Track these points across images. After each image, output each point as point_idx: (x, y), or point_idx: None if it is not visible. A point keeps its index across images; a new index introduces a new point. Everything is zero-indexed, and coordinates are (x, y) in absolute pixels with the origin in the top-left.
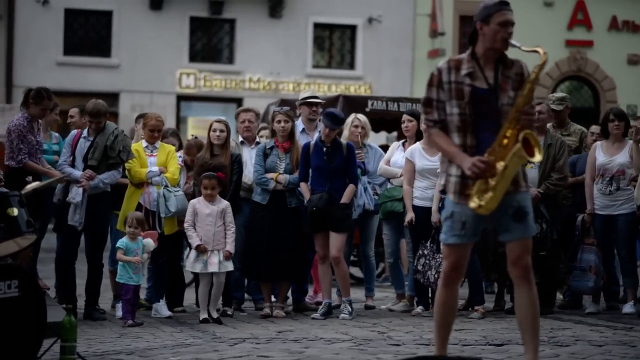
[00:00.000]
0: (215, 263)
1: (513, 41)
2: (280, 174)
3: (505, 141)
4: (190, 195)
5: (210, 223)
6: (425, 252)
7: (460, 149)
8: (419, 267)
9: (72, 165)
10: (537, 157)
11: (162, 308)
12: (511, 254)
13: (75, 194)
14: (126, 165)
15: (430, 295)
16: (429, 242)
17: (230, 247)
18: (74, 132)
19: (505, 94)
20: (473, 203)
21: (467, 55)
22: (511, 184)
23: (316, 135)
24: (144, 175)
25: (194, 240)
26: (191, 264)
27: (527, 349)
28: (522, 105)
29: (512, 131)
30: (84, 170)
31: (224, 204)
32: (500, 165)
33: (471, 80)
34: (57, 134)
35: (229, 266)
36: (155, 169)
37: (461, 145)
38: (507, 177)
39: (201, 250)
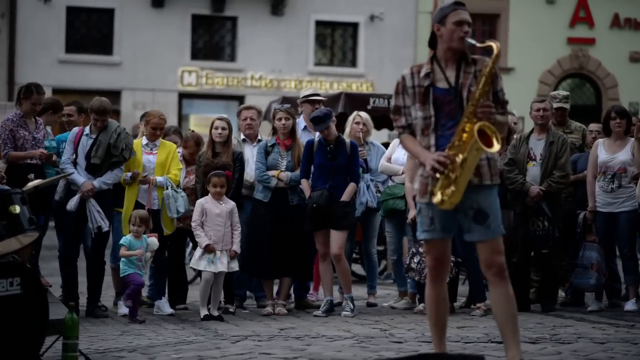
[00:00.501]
0: (225, 263)
1: (469, 39)
2: (281, 171)
3: (465, 135)
4: (191, 190)
5: (220, 223)
6: (420, 249)
7: (424, 149)
8: (413, 265)
9: (75, 163)
10: (496, 147)
11: (164, 305)
12: (481, 255)
13: (71, 202)
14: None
15: None
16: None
17: (237, 247)
18: (75, 129)
19: (466, 89)
20: (436, 198)
21: (428, 58)
22: (475, 175)
23: (317, 132)
24: (122, 180)
25: (203, 240)
26: (196, 261)
27: (508, 345)
28: (478, 98)
29: (470, 125)
30: (86, 168)
31: (231, 204)
32: (459, 158)
33: (431, 82)
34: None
35: (236, 267)
36: (129, 174)
37: (427, 146)
38: (467, 169)
39: (210, 250)
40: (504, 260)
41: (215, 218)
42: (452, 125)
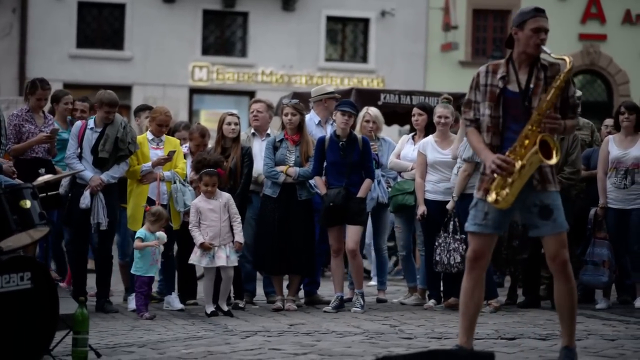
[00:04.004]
0: (223, 257)
1: (545, 48)
2: (290, 166)
3: (527, 142)
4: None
5: (215, 219)
6: (440, 241)
7: (487, 147)
8: (437, 258)
9: (80, 157)
10: (554, 160)
11: (174, 301)
12: (547, 249)
13: (84, 199)
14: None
15: (442, 288)
16: (441, 232)
17: (239, 237)
18: (78, 123)
19: (537, 97)
20: (490, 197)
21: (504, 59)
22: (539, 182)
23: (329, 128)
24: (138, 173)
25: (199, 239)
26: (198, 258)
27: (564, 333)
28: (544, 109)
29: (533, 133)
30: (93, 163)
31: (225, 197)
32: (518, 164)
33: (504, 84)
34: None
35: (235, 261)
36: (148, 164)
37: (489, 144)
38: (523, 176)
39: (205, 247)
40: (567, 256)
41: (209, 214)
42: (517, 129)
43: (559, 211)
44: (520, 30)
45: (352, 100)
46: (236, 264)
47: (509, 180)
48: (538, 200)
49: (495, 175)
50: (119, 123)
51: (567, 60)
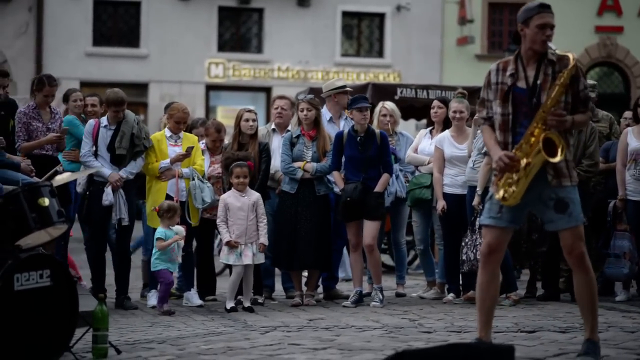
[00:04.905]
0: (250, 256)
1: (550, 44)
2: (307, 162)
3: (532, 140)
4: (216, 178)
5: (242, 217)
6: (467, 240)
7: (498, 145)
8: (463, 257)
9: (95, 154)
10: (557, 158)
11: (193, 297)
12: (564, 243)
13: (107, 195)
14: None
15: (461, 282)
16: (468, 231)
17: (264, 239)
18: (91, 122)
19: (545, 93)
20: (498, 194)
21: (513, 56)
22: (554, 177)
23: (342, 123)
24: (157, 169)
25: (225, 236)
26: (225, 256)
27: (585, 326)
28: (549, 106)
29: (539, 130)
30: (111, 160)
31: (255, 196)
32: (523, 162)
33: (513, 81)
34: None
35: (262, 258)
36: (167, 161)
37: (501, 142)
38: (529, 173)
39: (232, 246)
40: (584, 248)
41: (237, 212)
42: (528, 125)
43: (574, 205)
44: (526, 26)
45: (363, 95)
46: (263, 261)
47: (515, 177)
48: (553, 193)
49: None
50: (132, 119)
51: (571, 57)
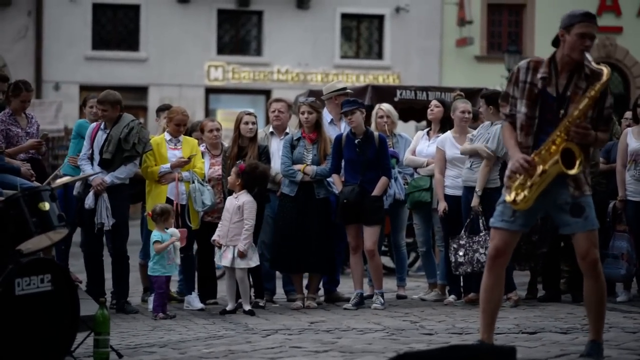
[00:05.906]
0: (229, 258)
1: (588, 55)
2: (307, 165)
3: (553, 148)
4: (216, 180)
5: (226, 218)
6: (462, 242)
7: (517, 146)
8: (460, 260)
9: (92, 158)
10: (574, 171)
11: (194, 300)
12: (578, 248)
13: (88, 199)
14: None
15: (462, 284)
16: (462, 232)
17: (241, 244)
18: (93, 125)
19: (573, 105)
20: (509, 197)
21: (547, 59)
22: (575, 188)
23: (343, 125)
24: (156, 173)
25: (214, 235)
26: (219, 257)
27: (590, 328)
28: (575, 117)
29: (560, 139)
30: (99, 164)
31: (242, 199)
32: (539, 168)
33: (544, 85)
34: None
35: (241, 264)
36: (167, 166)
37: (520, 143)
38: (543, 180)
39: (214, 244)
40: (597, 255)
41: (224, 212)
42: (548, 131)
43: (590, 209)
44: (567, 32)
45: (350, 99)
46: (242, 266)
47: (528, 182)
48: (569, 197)
49: (518, 175)
50: (124, 124)
51: (605, 71)
